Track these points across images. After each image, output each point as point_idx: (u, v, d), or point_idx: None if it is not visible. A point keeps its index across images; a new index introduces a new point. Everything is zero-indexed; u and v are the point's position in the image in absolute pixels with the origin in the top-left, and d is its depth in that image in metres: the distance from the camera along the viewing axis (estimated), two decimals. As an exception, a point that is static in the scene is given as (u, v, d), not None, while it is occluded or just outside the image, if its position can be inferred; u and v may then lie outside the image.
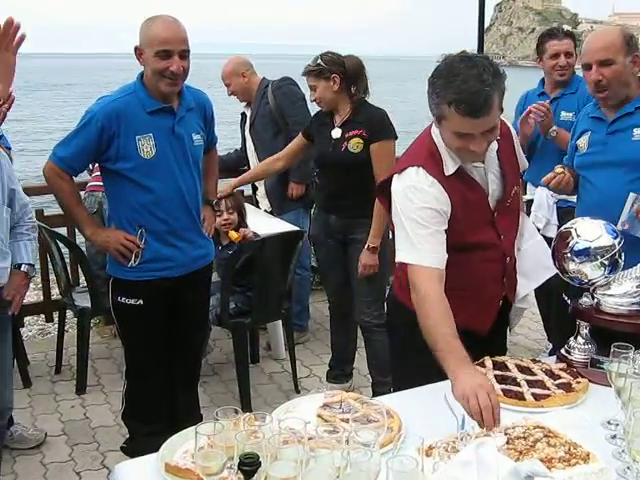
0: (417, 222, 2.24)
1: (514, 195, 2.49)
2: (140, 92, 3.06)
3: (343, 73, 3.82)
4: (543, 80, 4.43)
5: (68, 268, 4.77)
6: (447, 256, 2.25)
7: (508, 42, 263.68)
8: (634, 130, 2.96)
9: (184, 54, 2.99)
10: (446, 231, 2.28)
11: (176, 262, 3.22)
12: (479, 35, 6.79)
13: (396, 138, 3.87)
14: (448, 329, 2.11)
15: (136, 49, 3.03)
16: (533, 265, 2.60)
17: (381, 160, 3.75)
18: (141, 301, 3.19)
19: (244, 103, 5.12)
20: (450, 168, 2.30)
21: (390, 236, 4.34)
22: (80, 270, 4.90)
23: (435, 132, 2.34)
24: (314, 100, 3.89)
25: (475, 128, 2.14)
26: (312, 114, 4.32)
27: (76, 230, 4.90)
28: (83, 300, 4.46)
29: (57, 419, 4.03)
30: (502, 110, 2.23)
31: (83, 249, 4.54)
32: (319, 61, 3.83)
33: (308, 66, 3.85)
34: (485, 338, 2.49)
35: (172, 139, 3.10)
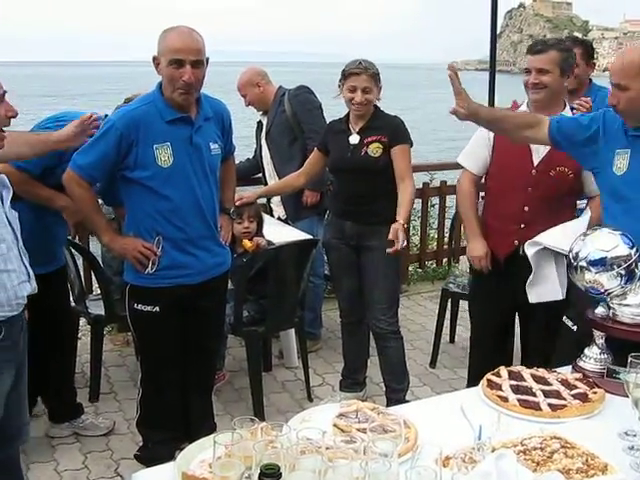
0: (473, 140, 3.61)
1: (560, 174, 3.29)
2: (158, 101, 3.10)
3: (380, 82, 3.87)
4: None
5: (82, 276, 4.79)
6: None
7: (519, 49, 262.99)
8: None
9: (196, 64, 3.00)
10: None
11: (193, 270, 3.24)
12: (491, 42, 6.78)
13: (412, 145, 3.87)
14: (470, 214, 3.67)
15: (154, 59, 3.07)
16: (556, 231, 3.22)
17: (403, 160, 3.77)
18: (157, 308, 3.21)
19: (260, 112, 5.14)
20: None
21: (404, 244, 4.36)
22: (94, 278, 4.91)
23: None
24: (360, 102, 3.76)
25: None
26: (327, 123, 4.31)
27: (89, 237, 4.95)
28: (97, 308, 4.47)
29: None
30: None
31: (97, 257, 4.56)
32: (376, 67, 3.82)
33: (367, 69, 3.77)
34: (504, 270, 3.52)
35: (190, 148, 3.12)
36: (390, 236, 3.47)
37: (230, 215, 3.63)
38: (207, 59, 3.09)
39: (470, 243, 3.68)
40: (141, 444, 3.58)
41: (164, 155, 3.07)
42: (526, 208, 3.39)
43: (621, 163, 2.73)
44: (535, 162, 3.37)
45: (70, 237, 3.80)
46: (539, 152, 3.34)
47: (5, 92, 2.44)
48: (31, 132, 3.36)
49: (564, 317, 2.92)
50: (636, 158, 2.70)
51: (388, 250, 3.49)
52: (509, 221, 3.48)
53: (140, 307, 3.23)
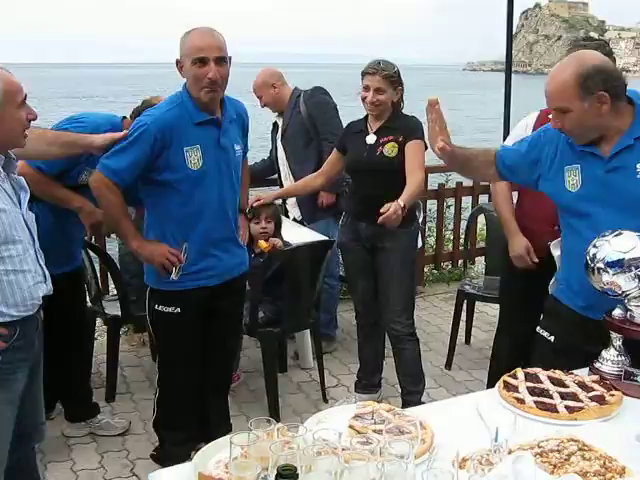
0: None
1: None
2: (187, 103, 3.09)
3: (402, 86, 3.88)
4: None
5: (98, 276, 4.82)
6: None
7: (534, 50, 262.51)
8: (638, 166, 2.51)
9: (220, 61, 3.00)
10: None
11: (214, 271, 3.25)
12: (507, 43, 6.77)
13: (426, 148, 3.87)
14: (508, 213, 3.78)
15: (177, 62, 3.07)
16: None
17: (415, 155, 3.77)
18: (178, 309, 3.22)
19: (276, 113, 5.16)
20: None
21: (419, 245, 4.35)
22: (110, 278, 4.94)
23: None
24: (371, 101, 3.78)
25: None
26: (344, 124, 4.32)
27: (105, 238, 4.97)
28: (113, 308, 4.50)
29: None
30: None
31: (114, 257, 4.58)
32: (395, 69, 3.82)
33: (382, 69, 3.77)
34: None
35: (218, 151, 3.14)
36: (382, 209, 3.42)
37: (246, 215, 3.65)
38: (230, 58, 3.08)
39: (511, 241, 3.75)
40: (157, 444, 3.60)
41: (194, 158, 3.06)
42: (555, 227, 3.23)
43: (573, 180, 2.62)
44: None
45: (86, 238, 3.81)
46: None
47: (26, 95, 2.47)
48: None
49: (538, 328, 2.84)
50: (587, 173, 2.59)
51: (380, 219, 3.45)
52: (543, 222, 3.46)
53: (161, 308, 3.24)
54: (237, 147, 3.24)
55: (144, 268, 3.31)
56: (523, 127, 3.74)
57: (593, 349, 2.51)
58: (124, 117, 3.66)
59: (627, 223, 2.44)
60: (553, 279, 3.15)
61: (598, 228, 2.48)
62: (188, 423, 3.42)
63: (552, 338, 2.75)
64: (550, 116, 2.58)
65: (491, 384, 2.54)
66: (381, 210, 3.41)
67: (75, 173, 3.49)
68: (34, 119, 2.50)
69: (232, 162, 3.21)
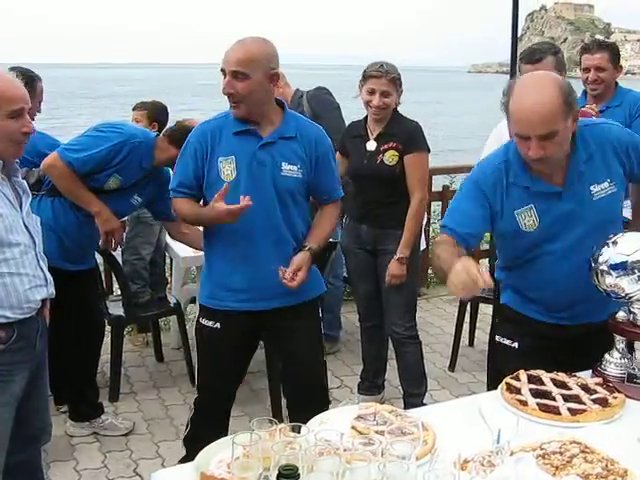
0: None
1: None
2: (230, 114, 2.99)
3: (402, 88, 3.85)
4: (585, 92, 4.41)
5: (102, 276, 4.83)
6: None
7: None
8: (591, 188, 2.47)
9: (235, 75, 2.85)
10: None
11: (251, 295, 3.02)
12: (512, 45, 6.74)
13: (429, 151, 3.87)
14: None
15: (274, 75, 2.96)
16: None
17: (415, 171, 3.76)
18: (218, 324, 3.08)
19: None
20: None
21: (422, 247, 4.35)
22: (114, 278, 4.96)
23: None
24: (377, 105, 3.74)
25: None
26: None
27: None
28: (117, 308, 4.51)
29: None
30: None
31: (117, 258, 4.59)
32: (398, 71, 3.79)
33: (388, 72, 3.73)
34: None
35: (253, 163, 2.93)
36: (387, 278, 3.62)
37: (312, 254, 3.06)
38: (273, 74, 2.92)
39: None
40: (184, 455, 3.37)
41: (227, 169, 2.94)
42: None
43: (529, 220, 2.49)
44: None
45: (100, 244, 3.80)
46: None
47: (28, 107, 2.45)
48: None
49: (497, 336, 2.78)
50: (543, 209, 2.47)
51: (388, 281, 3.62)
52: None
53: (204, 322, 3.12)
54: (287, 166, 2.96)
55: (201, 285, 3.21)
56: (497, 137, 3.65)
57: (558, 348, 2.58)
58: (157, 134, 3.73)
59: (594, 241, 2.46)
60: None
61: (571, 257, 2.50)
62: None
63: (516, 344, 2.69)
64: (529, 147, 2.32)
65: (492, 386, 2.51)
66: (387, 279, 3.57)
67: (103, 177, 3.56)
68: (29, 133, 2.46)
69: (271, 178, 2.94)
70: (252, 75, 2.85)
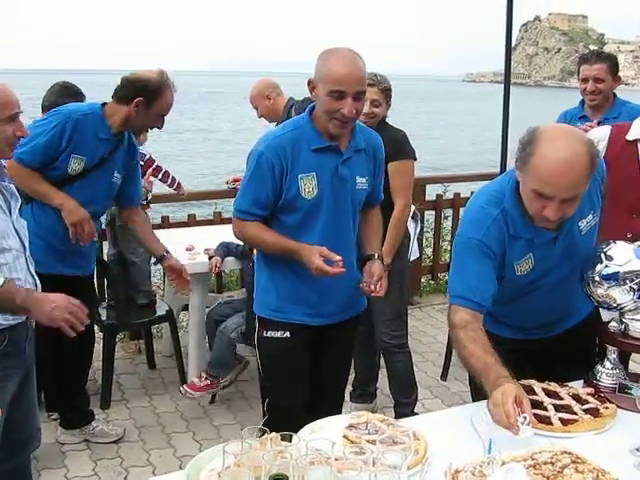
0: None
1: None
2: (307, 127, 2.80)
3: (390, 98, 3.85)
4: (583, 102, 4.43)
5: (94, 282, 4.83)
6: None
7: (534, 62, 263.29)
8: (579, 224, 2.43)
9: (359, 96, 2.69)
10: None
11: (321, 310, 2.94)
12: (506, 55, 6.77)
13: (415, 159, 3.87)
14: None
15: (309, 82, 2.78)
16: None
17: (400, 177, 3.75)
18: (288, 333, 2.94)
19: (274, 123, 5.17)
20: None
21: (415, 256, 4.35)
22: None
23: None
24: (367, 113, 3.66)
25: None
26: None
27: (103, 245, 4.97)
28: (109, 315, 4.50)
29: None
30: None
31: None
32: (388, 82, 3.79)
33: (380, 82, 3.75)
34: None
35: (335, 180, 2.81)
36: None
37: (382, 262, 3.04)
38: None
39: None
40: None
41: (309, 186, 2.78)
42: (629, 235, 3.05)
43: (525, 267, 2.43)
44: None
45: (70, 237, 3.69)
46: None
47: (20, 112, 2.47)
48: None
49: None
50: (540, 255, 2.42)
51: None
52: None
53: (270, 334, 2.97)
54: (360, 179, 2.89)
55: (255, 296, 3.05)
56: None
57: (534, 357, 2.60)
58: (104, 103, 3.58)
59: (581, 271, 2.47)
60: None
61: (554, 288, 2.49)
62: None
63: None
64: (545, 206, 2.20)
65: (478, 396, 2.48)
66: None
67: (61, 162, 3.44)
68: (22, 136, 2.49)
69: (350, 194, 2.87)
70: (366, 92, 2.80)
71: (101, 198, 3.67)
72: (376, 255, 3.00)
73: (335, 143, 2.81)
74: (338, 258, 2.69)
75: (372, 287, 2.87)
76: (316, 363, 3.05)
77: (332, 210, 2.83)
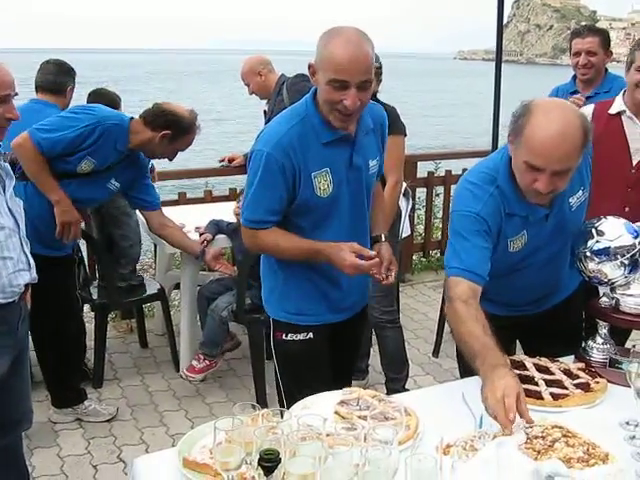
0: None
1: None
2: (313, 117, 2.51)
3: (381, 75, 3.82)
4: (575, 77, 4.42)
5: (86, 263, 4.81)
6: None
7: (525, 39, 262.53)
8: (569, 200, 2.43)
9: (364, 85, 2.39)
10: None
11: (346, 305, 2.80)
12: (498, 32, 6.74)
13: (405, 135, 3.85)
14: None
15: (310, 66, 2.47)
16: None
17: (391, 153, 3.70)
18: (311, 334, 2.76)
19: (265, 101, 5.14)
20: None
21: (407, 233, 4.34)
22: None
23: None
24: None
25: None
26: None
27: (92, 225, 4.94)
28: (100, 294, 4.49)
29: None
30: None
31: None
32: (380, 60, 3.57)
33: None
34: None
35: (349, 171, 2.58)
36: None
37: (387, 241, 2.86)
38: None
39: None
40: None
41: (323, 184, 2.53)
42: (627, 209, 3.16)
43: (518, 243, 2.42)
44: (634, 161, 3.25)
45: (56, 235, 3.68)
46: (639, 151, 3.25)
47: (14, 94, 2.45)
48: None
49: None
50: (533, 232, 2.41)
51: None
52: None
53: (290, 337, 2.78)
54: (372, 163, 2.68)
55: (266, 299, 2.87)
56: None
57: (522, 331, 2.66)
58: (132, 118, 3.68)
59: (566, 249, 2.50)
60: None
61: (545, 264, 2.50)
62: None
63: None
64: (536, 178, 2.18)
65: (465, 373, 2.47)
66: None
67: (75, 159, 3.49)
68: (13, 119, 2.47)
69: (364, 182, 2.66)
70: (372, 81, 2.49)
71: (94, 199, 3.82)
72: (382, 236, 2.82)
73: (347, 132, 2.55)
74: (373, 253, 2.53)
75: (383, 275, 2.63)
76: (334, 355, 2.91)
77: (348, 204, 2.62)
